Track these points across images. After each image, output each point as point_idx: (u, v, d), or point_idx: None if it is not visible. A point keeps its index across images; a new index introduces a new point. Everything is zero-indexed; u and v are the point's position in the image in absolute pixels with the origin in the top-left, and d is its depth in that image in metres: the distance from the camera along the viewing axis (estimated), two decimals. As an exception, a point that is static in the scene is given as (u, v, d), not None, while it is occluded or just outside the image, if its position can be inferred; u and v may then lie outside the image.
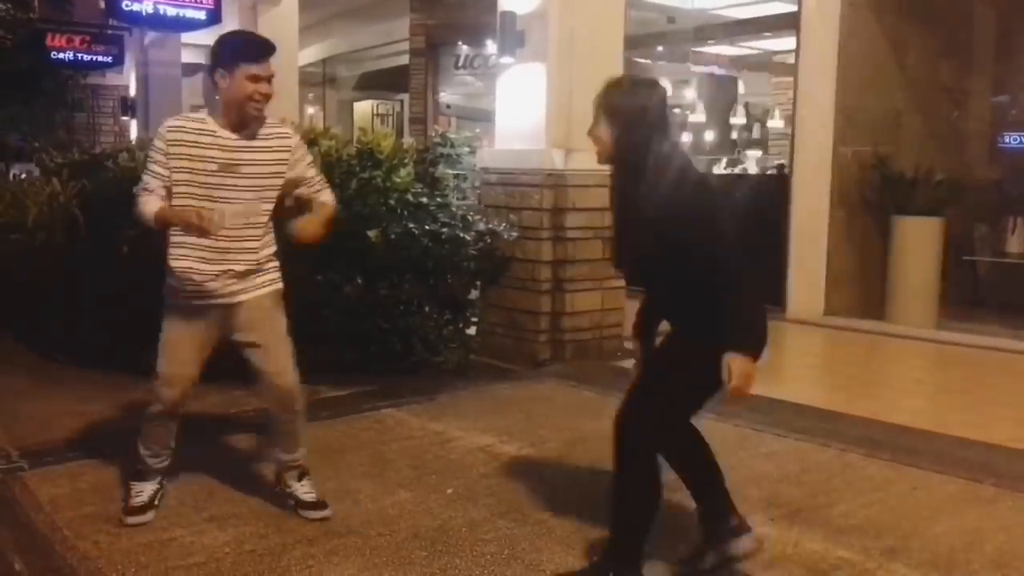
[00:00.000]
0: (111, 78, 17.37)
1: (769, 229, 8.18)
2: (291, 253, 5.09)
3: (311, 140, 5.46)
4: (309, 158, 3.59)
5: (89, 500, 3.62)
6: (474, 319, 6.12)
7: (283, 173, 3.41)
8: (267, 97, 3.28)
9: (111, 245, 5.59)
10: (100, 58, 15.05)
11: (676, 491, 3.22)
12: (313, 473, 3.66)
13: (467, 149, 6.26)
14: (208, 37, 13.07)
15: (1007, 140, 9.33)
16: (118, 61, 15.28)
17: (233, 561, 3.12)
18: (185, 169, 3.25)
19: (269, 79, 3.26)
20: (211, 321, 3.38)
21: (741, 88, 13.80)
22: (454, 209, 5.80)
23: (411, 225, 5.44)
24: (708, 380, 2.80)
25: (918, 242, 7.81)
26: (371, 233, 5.24)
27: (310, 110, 16.98)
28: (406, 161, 5.70)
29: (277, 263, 3.53)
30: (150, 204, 3.25)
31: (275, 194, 3.42)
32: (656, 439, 2.96)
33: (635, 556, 2.91)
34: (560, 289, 6.15)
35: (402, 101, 15.20)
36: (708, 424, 4.79)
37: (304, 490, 3.56)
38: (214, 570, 3.06)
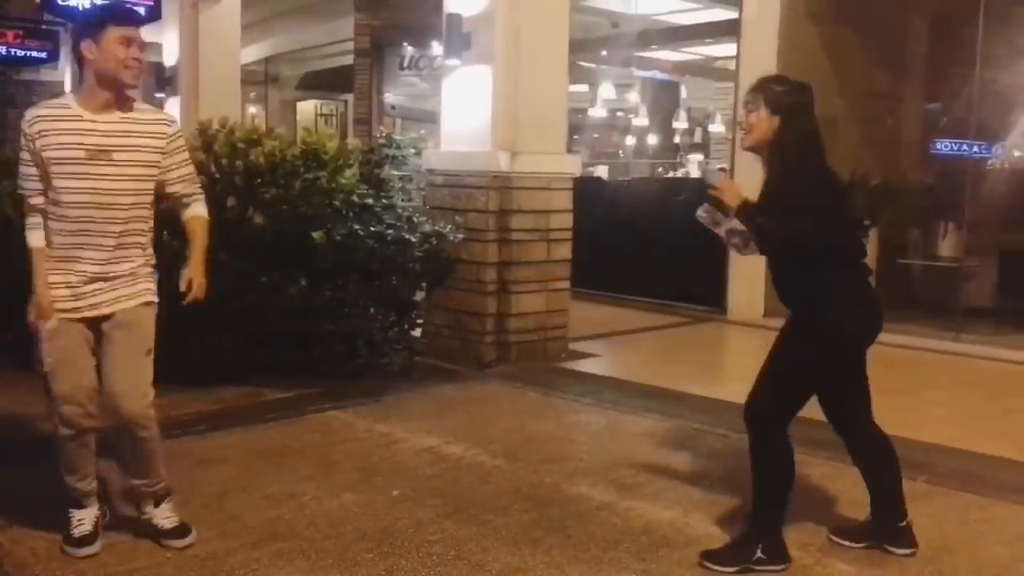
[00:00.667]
0: (45, 74, 16.93)
1: (712, 233, 8.30)
2: (235, 252, 5.06)
3: (254, 140, 5.41)
4: (187, 154, 3.29)
5: (25, 507, 3.53)
6: (419, 321, 6.11)
7: (158, 162, 3.13)
8: (141, 64, 3.02)
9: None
10: (34, 53, 14.69)
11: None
12: (257, 476, 3.62)
13: (412, 150, 6.26)
14: (147, 34, 12.87)
15: (939, 147, 9.59)
16: (53, 57, 14.92)
17: (175, 566, 3.08)
18: (54, 160, 2.99)
19: (141, 46, 3.03)
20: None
21: (683, 93, 14.00)
22: (400, 211, 5.79)
23: (356, 226, 5.41)
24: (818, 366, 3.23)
25: (854, 245, 7.99)
26: (316, 234, 5.21)
27: (252, 109, 16.77)
28: (351, 162, 5.67)
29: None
30: (34, 238, 3.07)
31: (151, 187, 3.15)
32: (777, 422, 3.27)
33: (777, 525, 3.20)
34: (505, 291, 6.17)
35: (346, 101, 15.09)
36: (653, 423, 4.90)
37: (163, 515, 3.29)
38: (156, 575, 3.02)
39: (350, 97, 13.64)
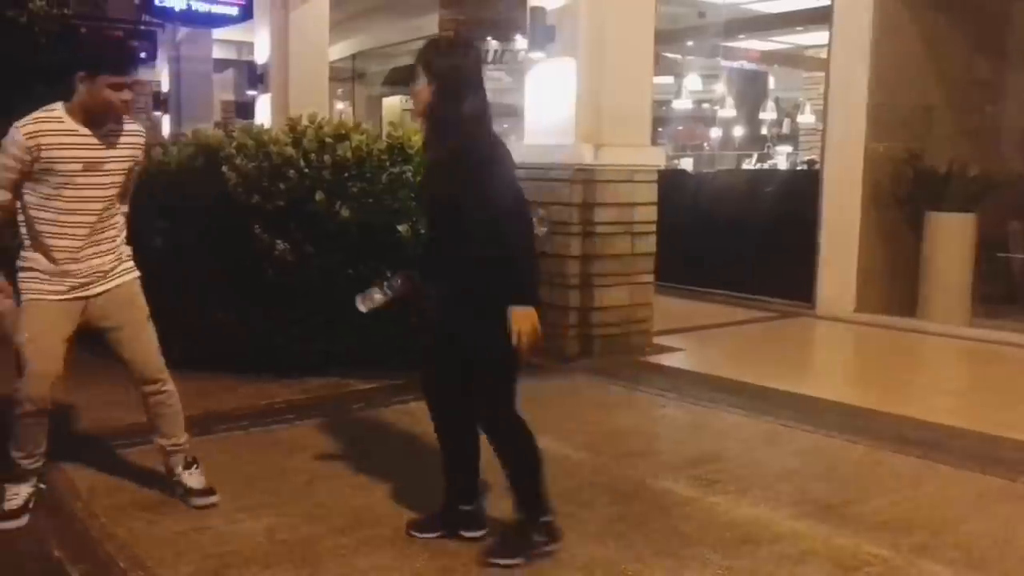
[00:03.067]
0: (143, 74, 17.53)
1: (799, 225, 8.13)
2: (322, 245, 5.17)
3: (342, 135, 5.50)
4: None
5: (126, 488, 3.68)
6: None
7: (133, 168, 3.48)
8: (129, 104, 3.29)
9: (144, 239, 5.67)
10: (133, 54, 15.21)
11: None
12: (344, 464, 3.68)
13: (497, 144, 6.28)
14: (239, 33, 13.22)
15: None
16: (151, 57, 15.45)
17: (266, 551, 3.16)
18: (49, 171, 3.23)
19: (132, 86, 3.30)
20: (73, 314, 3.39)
21: (771, 83, 13.73)
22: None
23: (441, 220, 5.45)
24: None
25: (951, 238, 7.72)
26: (401, 228, 5.27)
27: (340, 105, 17.08)
28: (436, 156, 5.72)
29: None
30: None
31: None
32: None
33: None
34: (589, 284, 6.15)
35: (431, 96, 15.22)
36: (739, 419, 4.83)
37: (192, 477, 3.57)
38: (248, 559, 3.10)
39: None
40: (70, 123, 3.26)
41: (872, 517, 3.54)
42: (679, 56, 11.78)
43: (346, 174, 5.35)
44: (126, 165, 3.42)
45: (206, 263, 5.34)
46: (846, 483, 3.94)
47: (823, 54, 8.72)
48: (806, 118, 12.55)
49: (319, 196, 5.18)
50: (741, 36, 11.47)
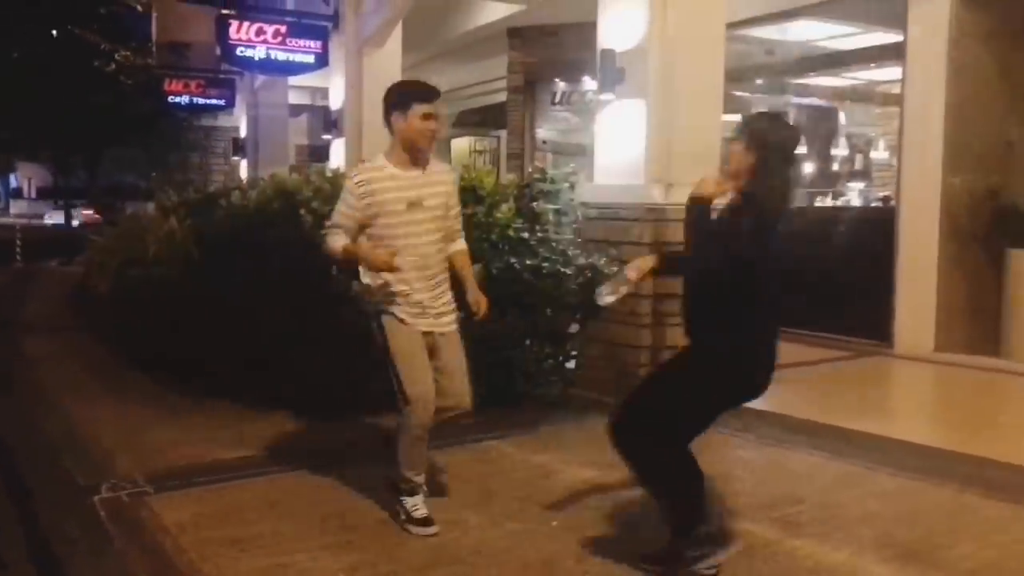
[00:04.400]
0: (222, 120, 18.16)
1: (875, 262, 7.99)
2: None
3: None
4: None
5: (211, 524, 3.77)
6: (574, 353, 6.15)
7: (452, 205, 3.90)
8: (435, 133, 3.75)
9: (226, 280, 5.85)
10: (213, 101, 15.77)
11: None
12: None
13: (566, 184, 6.33)
14: (314, 79, 13.59)
15: None
16: (230, 103, 16.00)
17: (347, 587, 3.21)
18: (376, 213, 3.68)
19: (438, 117, 3.74)
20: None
21: (842, 119, 13.58)
22: (554, 244, 5.86)
23: (512, 260, 5.52)
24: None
25: (1034, 276, 7.51)
26: (475, 267, 5.33)
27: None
28: (507, 197, 5.81)
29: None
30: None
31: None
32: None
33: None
34: (660, 323, 6.13)
35: (498, 137, 15.43)
36: (819, 461, 4.75)
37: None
38: (329, 595, 3.15)
39: (503, 133, 13.94)
40: (391, 168, 3.77)
41: (960, 563, 3.45)
42: (748, 94, 11.74)
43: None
44: (441, 201, 3.83)
45: (287, 300, 5.45)
46: (931, 528, 3.84)
47: (895, 89, 8.61)
48: (879, 153, 12.36)
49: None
50: (811, 73, 11.40)
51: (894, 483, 4.41)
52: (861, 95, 12.79)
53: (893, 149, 9.57)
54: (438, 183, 3.83)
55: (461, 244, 4.02)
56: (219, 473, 4.38)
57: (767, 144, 3.17)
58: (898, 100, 8.30)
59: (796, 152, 3.32)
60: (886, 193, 10.13)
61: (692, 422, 3.31)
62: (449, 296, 3.87)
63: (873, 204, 10.53)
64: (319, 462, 4.55)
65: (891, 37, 8.63)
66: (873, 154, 12.52)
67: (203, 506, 3.98)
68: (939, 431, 5.71)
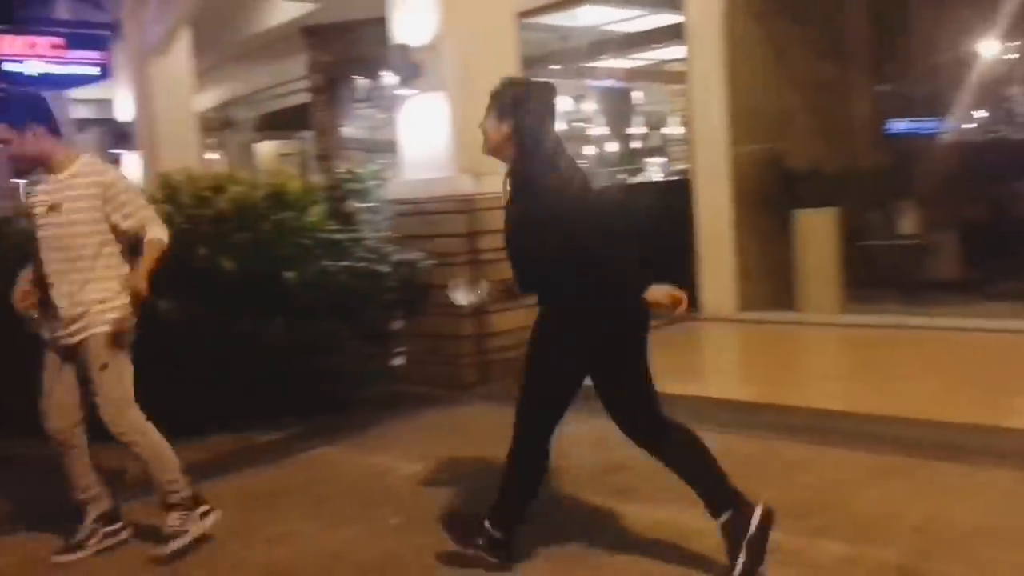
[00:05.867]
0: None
1: (678, 232, 8.40)
2: (209, 300, 5.08)
3: (218, 187, 5.43)
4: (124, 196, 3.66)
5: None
6: (398, 350, 6.14)
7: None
8: None
9: None
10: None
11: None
12: (254, 519, 3.63)
13: (375, 182, 6.30)
14: (101, 92, 12.82)
15: (892, 127, 9.79)
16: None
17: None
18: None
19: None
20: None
21: (637, 98, 14.17)
22: (368, 243, 5.83)
23: (326, 262, 5.45)
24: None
25: (817, 233, 8.10)
26: (289, 274, 5.24)
27: (212, 155, 16.75)
28: (316, 200, 5.72)
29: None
30: None
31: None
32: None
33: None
34: (481, 311, 6.21)
35: (304, 139, 15.14)
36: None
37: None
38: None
39: (309, 134, 13.68)
40: None
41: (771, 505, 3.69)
42: (546, 80, 12.07)
43: (227, 226, 5.28)
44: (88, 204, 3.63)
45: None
46: (743, 476, 4.01)
47: (684, 67, 9.08)
48: (674, 130, 13.01)
49: (201, 251, 5.10)
50: (604, 56, 11.82)
51: (710, 439, 4.65)
52: (653, 75, 13.39)
53: (686, 124, 10.07)
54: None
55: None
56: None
57: (519, 106, 3.12)
58: (685, 77, 8.76)
59: (554, 104, 3.23)
60: (686, 166, 10.67)
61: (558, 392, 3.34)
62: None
63: (673, 177, 11.06)
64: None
65: (676, 18, 9.08)
66: (668, 130, 13.14)
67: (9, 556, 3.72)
68: (744, 385, 6.11)
